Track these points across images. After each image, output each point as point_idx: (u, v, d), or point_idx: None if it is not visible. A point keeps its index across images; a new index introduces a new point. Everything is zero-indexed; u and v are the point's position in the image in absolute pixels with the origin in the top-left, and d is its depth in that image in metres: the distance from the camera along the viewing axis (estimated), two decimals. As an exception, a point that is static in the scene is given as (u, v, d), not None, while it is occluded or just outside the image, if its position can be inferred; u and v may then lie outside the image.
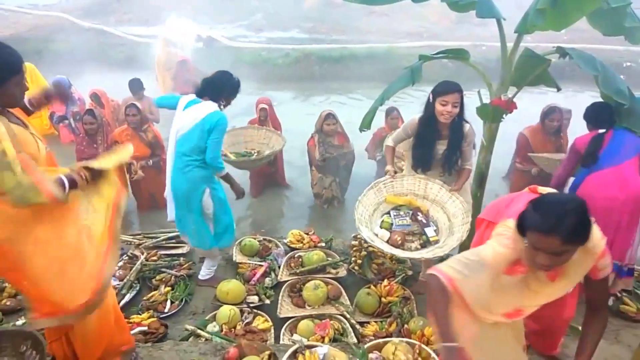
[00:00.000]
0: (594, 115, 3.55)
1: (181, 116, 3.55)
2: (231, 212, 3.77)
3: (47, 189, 1.97)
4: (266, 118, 6.01)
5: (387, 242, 3.33)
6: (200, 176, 3.51)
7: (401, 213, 3.50)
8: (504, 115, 3.70)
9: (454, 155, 3.40)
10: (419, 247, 3.34)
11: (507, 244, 1.89)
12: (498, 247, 1.90)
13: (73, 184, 2.13)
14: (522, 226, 1.80)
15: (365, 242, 3.91)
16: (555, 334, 2.75)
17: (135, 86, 6.78)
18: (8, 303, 3.40)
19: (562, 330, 2.76)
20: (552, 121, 4.73)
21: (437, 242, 3.33)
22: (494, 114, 3.66)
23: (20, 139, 2.05)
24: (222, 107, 3.57)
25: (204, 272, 3.82)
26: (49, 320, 2.17)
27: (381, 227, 3.45)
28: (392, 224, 3.45)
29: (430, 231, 3.37)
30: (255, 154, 5.60)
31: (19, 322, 3.19)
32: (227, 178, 3.66)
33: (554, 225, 1.67)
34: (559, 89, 3.66)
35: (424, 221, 3.43)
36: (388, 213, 3.53)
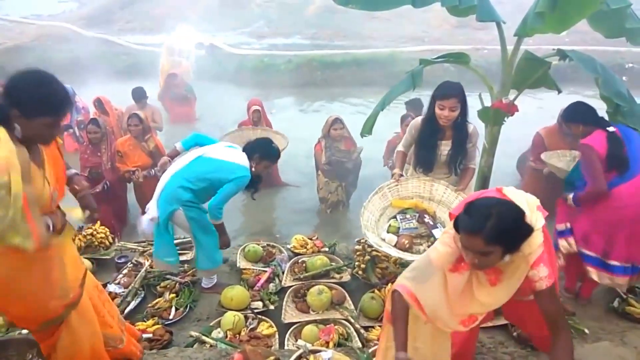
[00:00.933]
0: (582, 112, 3.32)
1: (216, 147, 3.64)
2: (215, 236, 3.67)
3: (37, 234, 1.92)
4: (259, 119, 6.05)
5: (395, 246, 3.32)
6: (176, 195, 3.45)
7: (407, 216, 3.49)
8: (505, 118, 3.71)
9: (459, 155, 3.40)
10: (427, 249, 3.30)
11: (449, 242, 2.03)
12: (441, 247, 2.07)
13: (54, 228, 2.11)
14: (456, 226, 1.93)
15: (369, 246, 3.91)
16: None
17: (138, 94, 6.84)
18: (14, 311, 3.41)
19: None
20: None
21: None
22: (495, 117, 3.68)
23: (32, 176, 1.99)
24: (252, 167, 3.57)
25: (206, 282, 3.84)
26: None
27: (388, 232, 3.45)
28: (399, 228, 3.44)
29: (437, 233, 3.34)
30: None
31: (25, 331, 3.20)
32: (220, 228, 3.65)
33: (477, 227, 1.79)
34: (559, 91, 3.66)
35: (431, 223, 3.41)
36: (394, 217, 3.53)
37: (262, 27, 15.00)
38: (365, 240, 3.98)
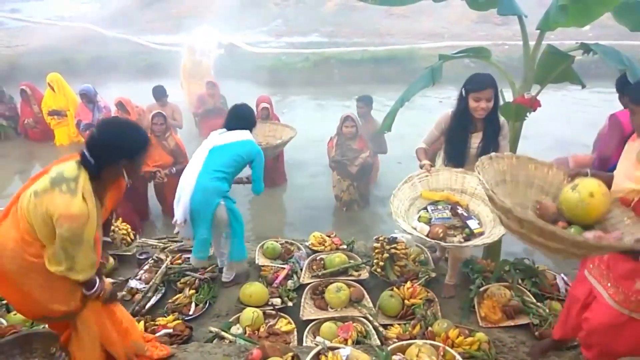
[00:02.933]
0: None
1: (216, 137, 3.69)
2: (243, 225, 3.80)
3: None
4: (267, 117, 6.06)
5: (427, 236, 3.14)
6: (216, 188, 3.53)
7: (439, 207, 3.32)
8: (527, 114, 3.64)
9: (490, 147, 3.25)
10: (462, 240, 3.17)
11: None
12: None
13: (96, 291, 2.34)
14: (635, 100, 2.21)
15: (388, 244, 3.89)
16: None
17: (159, 93, 6.92)
18: (39, 306, 3.49)
19: None
20: None
21: (482, 234, 3.15)
22: (517, 112, 3.61)
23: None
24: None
25: (228, 275, 3.87)
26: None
27: (419, 222, 3.28)
28: (430, 219, 3.25)
29: (473, 224, 3.17)
30: (266, 145, 5.67)
31: (49, 325, 3.27)
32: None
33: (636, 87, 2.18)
34: (583, 86, 3.58)
35: (465, 214, 3.24)
36: (425, 208, 3.36)
37: (280, 25, 15.04)
38: (384, 238, 3.96)
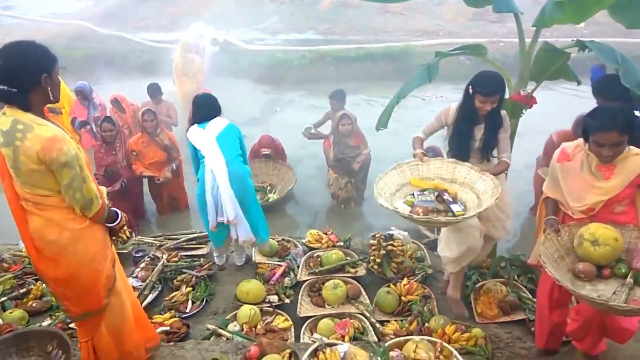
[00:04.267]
0: (611, 86, 3.24)
1: (208, 128, 3.74)
2: None
3: (103, 200, 2.28)
4: (270, 159, 6.17)
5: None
6: (246, 170, 3.82)
7: (425, 192, 3.23)
8: (523, 111, 3.65)
9: (492, 140, 3.27)
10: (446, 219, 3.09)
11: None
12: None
13: (121, 221, 2.42)
14: (586, 134, 2.44)
15: (385, 240, 3.90)
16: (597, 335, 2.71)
17: (154, 90, 6.90)
18: (34, 304, 3.48)
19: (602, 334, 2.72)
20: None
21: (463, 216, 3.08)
22: (513, 109, 3.62)
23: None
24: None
25: (242, 258, 4.07)
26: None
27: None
28: (414, 203, 3.16)
29: (456, 207, 3.09)
30: (268, 187, 5.96)
31: (45, 323, 3.26)
32: None
33: (611, 123, 2.30)
34: (579, 83, 3.60)
35: (450, 200, 3.16)
36: (412, 194, 3.25)
37: (275, 23, 14.98)
38: (381, 235, 3.97)
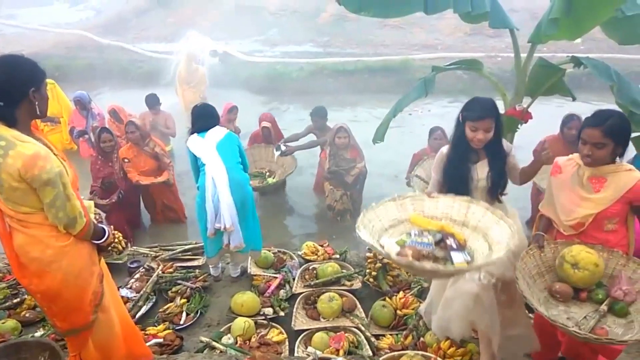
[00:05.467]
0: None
1: (208, 138, 3.77)
2: None
3: (88, 217, 2.25)
4: (269, 135, 6.10)
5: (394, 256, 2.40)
6: (246, 178, 3.87)
7: (425, 233, 2.54)
8: (519, 125, 3.68)
9: (501, 176, 2.75)
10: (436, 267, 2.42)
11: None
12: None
13: (108, 239, 2.41)
14: (580, 130, 2.49)
15: (381, 254, 3.87)
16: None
17: (152, 101, 6.93)
18: (27, 315, 3.46)
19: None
20: (571, 129, 4.63)
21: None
22: (508, 124, 3.64)
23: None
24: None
25: (236, 270, 4.07)
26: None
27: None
28: (405, 242, 2.49)
29: (458, 257, 2.36)
30: (267, 173, 5.85)
31: (38, 334, 3.24)
32: None
33: (600, 121, 2.37)
34: (574, 98, 3.63)
35: (454, 246, 2.44)
36: (408, 233, 2.59)
37: (275, 35, 15.09)
38: (377, 248, 3.95)
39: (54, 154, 2.15)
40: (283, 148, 5.87)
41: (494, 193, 2.76)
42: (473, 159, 2.76)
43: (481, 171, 2.75)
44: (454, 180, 2.76)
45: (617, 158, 2.49)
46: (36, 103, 2.10)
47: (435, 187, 2.88)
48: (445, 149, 2.86)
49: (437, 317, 2.84)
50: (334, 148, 5.55)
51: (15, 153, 1.99)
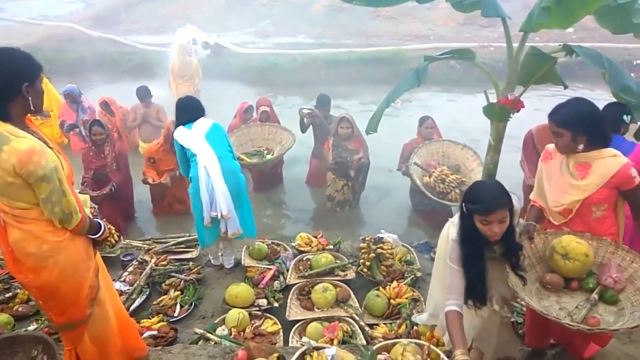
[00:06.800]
0: (615, 117, 3.20)
1: (194, 129, 3.76)
2: None
3: (80, 207, 2.23)
4: (267, 119, 6.06)
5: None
6: (237, 166, 3.89)
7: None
8: (511, 115, 3.68)
9: (514, 256, 2.43)
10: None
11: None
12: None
13: (104, 234, 2.38)
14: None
15: (374, 244, 3.89)
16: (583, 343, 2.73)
17: (143, 93, 6.87)
18: (20, 309, 3.44)
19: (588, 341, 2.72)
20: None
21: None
22: (501, 113, 3.65)
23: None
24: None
25: (230, 260, 4.09)
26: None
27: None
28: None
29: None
30: (265, 151, 5.70)
31: (31, 328, 3.23)
32: None
33: (553, 112, 2.54)
34: (565, 87, 3.63)
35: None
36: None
37: (267, 26, 14.99)
38: (370, 238, 3.97)
39: (49, 147, 2.12)
40: (306, 111, 5.86)
41: (516, 267, 2.43)
42: (485, 251, 2.40)
43: (494, 256, 2.46)
44: (474, 280, 2.39)
45: (604, 144, 2.49)
46: (30, 98, 2.05)
47: (455, 282, 2.42)
48: (453, 239, 2.41)
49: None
50: (337, 138, 5.53)
51: (9, 148, 1.95)
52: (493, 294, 2.50)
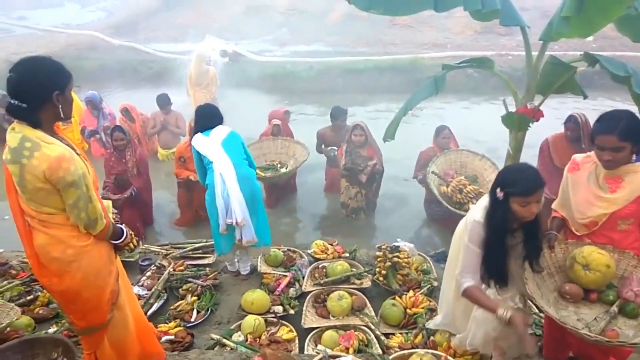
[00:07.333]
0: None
1: (212, 136, 3.80)
2: None
3: (108, 218, 2.29)
4: (279, 132, 6.10)
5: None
6: (253, 173, 3.91)
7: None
8: (530, 124, 3.65)
9: (535, 250, 2.46)
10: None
11: None
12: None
13: (126, 239, 2.44)
14: (592, 137, 2.44)
15: (390, 252, 3.88)
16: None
17: (163, 101, 6.99)
18: (41, 311, 3.50)
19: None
20: (567, 130, 4.54)
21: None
22: (519, 122, 3.63)
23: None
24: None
25: (246, 267, 4.10)
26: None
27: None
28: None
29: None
30: (279, 165, 5.73)
31: (51, 330, 3.27)
32: None
33: (611, 127, 2.30)
34: (585, 97, 3.59)
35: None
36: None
37: (284, 34, 15.14)
38: (387, 246, 3.96)
39: (77, 153, 2.18)
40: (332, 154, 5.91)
41: (534, 258, 2.46)
42: (508, 236, 2.42)
43: (515, 241, 2.47)
44: (496, 262, 2.42)
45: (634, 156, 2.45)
46: (60, 106, 2.10)
47: (474, 262, 2.43)
48: (479, 224, 2.39)
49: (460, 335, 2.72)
50: (351, 145, 5.54)
51: (40, 155, 2.00)
52: (514, 292, 2.50)
